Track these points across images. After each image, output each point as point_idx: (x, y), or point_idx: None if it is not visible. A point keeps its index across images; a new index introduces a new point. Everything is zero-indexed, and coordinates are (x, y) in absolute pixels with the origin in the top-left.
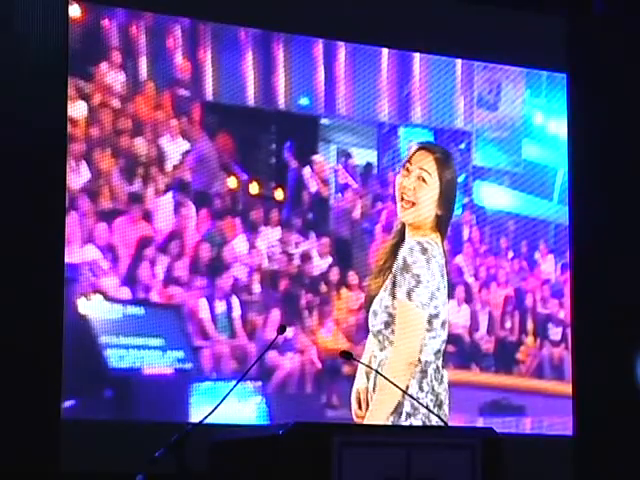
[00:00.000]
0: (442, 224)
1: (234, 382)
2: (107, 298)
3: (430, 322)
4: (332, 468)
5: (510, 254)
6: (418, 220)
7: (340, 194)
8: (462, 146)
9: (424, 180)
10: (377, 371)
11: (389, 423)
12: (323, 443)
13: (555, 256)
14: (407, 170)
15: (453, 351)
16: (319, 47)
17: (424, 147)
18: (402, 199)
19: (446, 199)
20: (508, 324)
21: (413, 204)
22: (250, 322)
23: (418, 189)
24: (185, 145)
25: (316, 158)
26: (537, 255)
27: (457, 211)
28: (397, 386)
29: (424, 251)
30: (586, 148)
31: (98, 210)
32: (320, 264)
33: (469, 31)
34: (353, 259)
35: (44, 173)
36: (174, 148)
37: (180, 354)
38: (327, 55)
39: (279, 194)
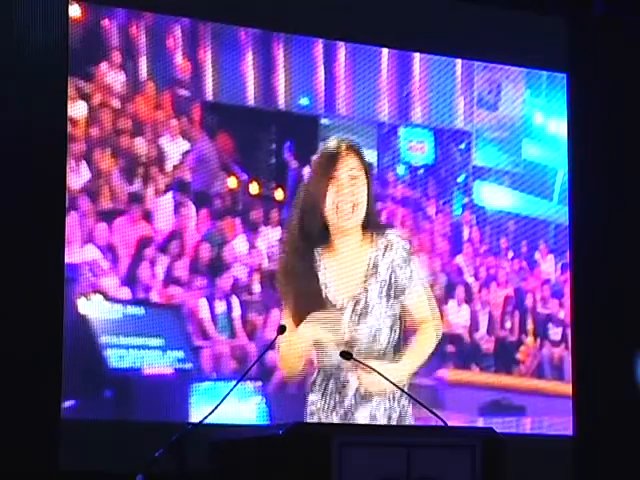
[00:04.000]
0: (369, 209)
1: (234, 382)
2: (107, 298)
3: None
4: (332, 468)
5: (510, 254)
6: (356, 223)
7: None
8: (462, 146)
9: (357, 179)
10: (378, 372)
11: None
12: (323, 443)
13: (555, 256)
14: (334, 178)
15: (453, 351)
16: (319, 47)
17: (346, 150)
18: (337, 207)
19: (369, 186)
20: (508, 324)
21: (354, 206)
22: (250, 322)
23: (355, 191)
24: (185, 145)
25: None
26: (537, 255)
27: (457, 211)
28: (396, 385)
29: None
30: (586, 148)
31: (98, 210)
32: None
33: (469, 31)
34: None
35: (44, 173)
36: (174, 148)
37: (180, 354)
38: (327, 55)
39: (279, 194)
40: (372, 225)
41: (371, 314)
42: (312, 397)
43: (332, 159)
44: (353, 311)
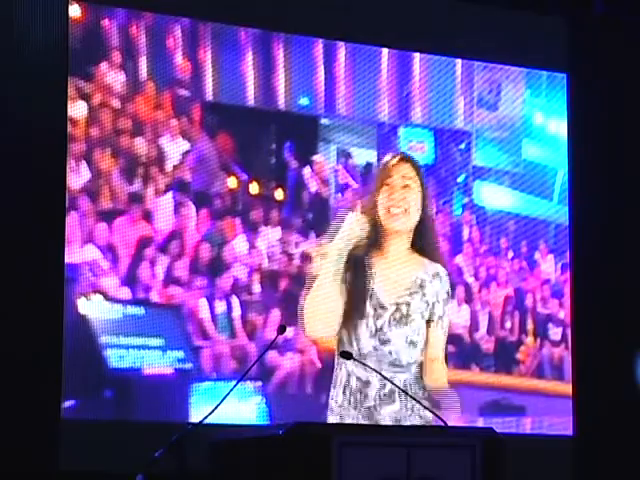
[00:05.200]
0: (423, 226)
1: (234, 382)
2: (107, 298)
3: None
4: (332, 468)
5: (510, 254)
6: (406, 226)
7: (340, 194)
8: (462, 146)
9: (409, 187)
10: (377, 371)
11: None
12: (323, 443)
13: (555, 256)
14: (388, 185)
15: (453, 351)
16: (319, 47)
17: (401, 159)
18: (389, 211)
19: (425, 199)
20: (508, 324)
21: (405, 211)
22: (250, 322)
23: (407, 196)
24: (185, 145)
25: (316, 158)
26: (537, 255)
27: (457, 211)
28: (397, 386)
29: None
30: (586, 148)
31: (98, 210)
32: None
33: (469, 31)
34: None
35: (44, 173)
36: (174, 148)
37: (180, 354)
38: (327, 55)
39: (279, 194)
40: (426, 245)
41: (409, 326)
42: (333, 392)
43: (386, 169)
44: (392, 315)
